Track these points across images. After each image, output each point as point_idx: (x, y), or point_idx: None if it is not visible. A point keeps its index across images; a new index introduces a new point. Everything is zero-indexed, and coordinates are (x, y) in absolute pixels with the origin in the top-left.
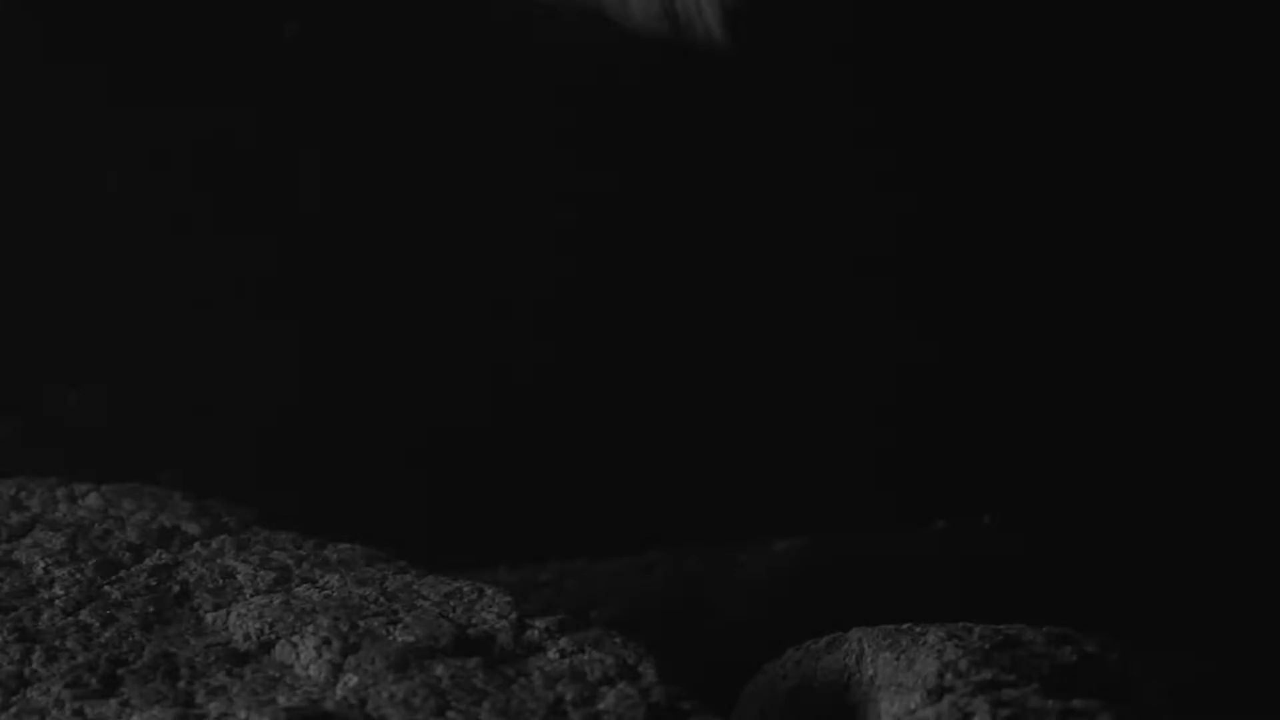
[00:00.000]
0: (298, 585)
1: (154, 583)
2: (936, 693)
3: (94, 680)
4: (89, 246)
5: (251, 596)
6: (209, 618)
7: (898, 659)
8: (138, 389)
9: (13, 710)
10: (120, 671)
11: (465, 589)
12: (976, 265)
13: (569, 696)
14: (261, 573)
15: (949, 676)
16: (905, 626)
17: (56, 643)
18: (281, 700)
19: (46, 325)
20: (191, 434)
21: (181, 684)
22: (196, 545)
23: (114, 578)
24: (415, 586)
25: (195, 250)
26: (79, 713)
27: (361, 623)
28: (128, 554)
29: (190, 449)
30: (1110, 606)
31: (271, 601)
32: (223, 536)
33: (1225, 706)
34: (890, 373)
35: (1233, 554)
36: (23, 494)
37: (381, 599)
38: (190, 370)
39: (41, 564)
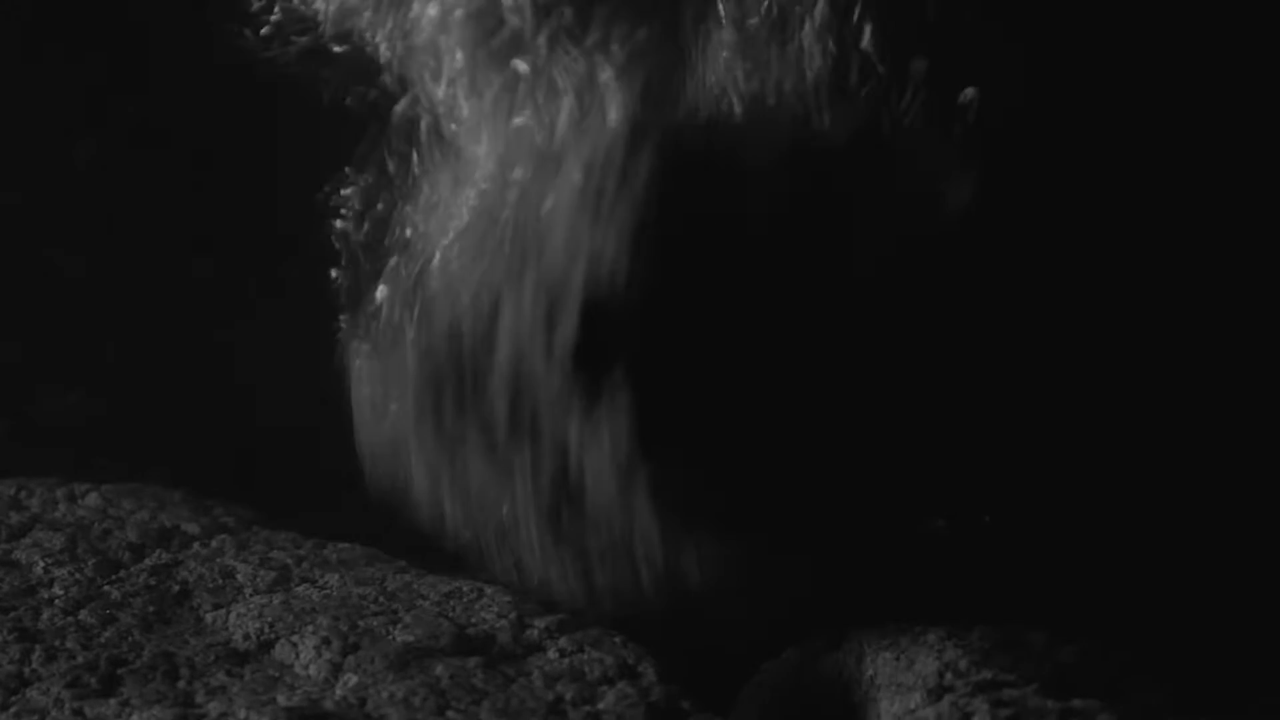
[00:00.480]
0: (297, 585)
1: (154, 582)
2: (937, 692)
3: (94, 680)
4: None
5: (251, 596)
6: (209, 617)
7: (898, 659)
8: (134, 388)
9: (12, 710)
10: (120, 671)
11: (465, 588)
12: (975, 263)
13: (568, 696)
14: (261, 572)
15: (949, 676)
16: (905, 626)
17: (56, 643)
18: (281, 700)
19: (42, 325)
20: (184, 430)
21: (181, 684)
22: (196, 545)
23: (114, 577)
24: (415, 586)
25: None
26: (79, 712)
27: (361, 622)
28: (127, 554)
29: (183, 445)
30: (1109, 606)
31: (271, 601)
32: (223, 536)
33: (1225, 706)
34: (889, 372)
35: (1232, 554)
36: (23, 494)
37: (381, 598)
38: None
39: (41, 564)
